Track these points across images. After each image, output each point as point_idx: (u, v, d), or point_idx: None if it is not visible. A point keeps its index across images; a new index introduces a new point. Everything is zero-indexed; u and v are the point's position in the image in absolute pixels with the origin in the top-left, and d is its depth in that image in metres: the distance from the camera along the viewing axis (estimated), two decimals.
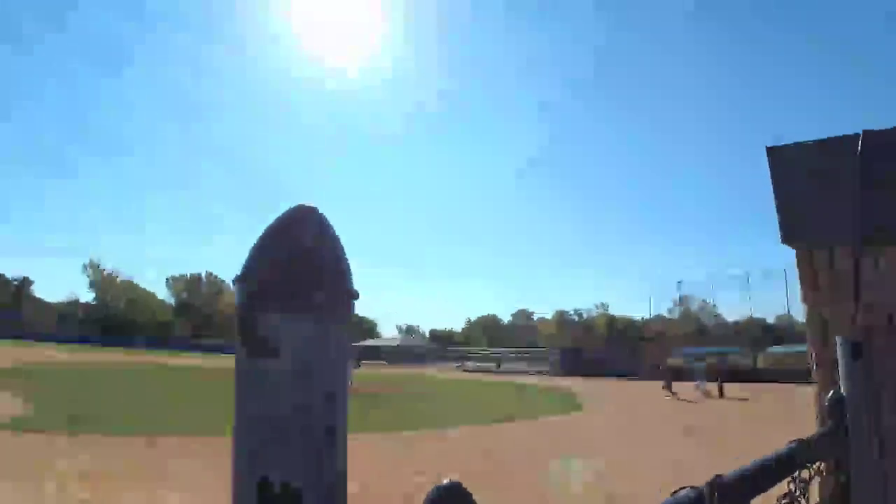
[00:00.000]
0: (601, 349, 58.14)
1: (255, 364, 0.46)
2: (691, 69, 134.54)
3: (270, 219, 0.50)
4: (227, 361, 40.63)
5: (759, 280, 76.82)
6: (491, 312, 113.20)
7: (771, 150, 2.16)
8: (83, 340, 69.15)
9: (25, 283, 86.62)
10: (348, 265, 0.59)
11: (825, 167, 1.99)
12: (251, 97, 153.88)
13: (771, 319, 72.54)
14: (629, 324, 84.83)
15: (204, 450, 9.70)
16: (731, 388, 27.37)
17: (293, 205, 0.58)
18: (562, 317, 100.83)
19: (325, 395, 0.47)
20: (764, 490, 0.95)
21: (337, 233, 0.60)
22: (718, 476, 0.80)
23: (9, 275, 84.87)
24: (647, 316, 74.73)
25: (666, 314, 76.99)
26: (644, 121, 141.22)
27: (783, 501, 1.01)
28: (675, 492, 0.78)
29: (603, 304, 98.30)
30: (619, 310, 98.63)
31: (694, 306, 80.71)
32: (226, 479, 0.45)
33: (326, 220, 0.60)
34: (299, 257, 0.53)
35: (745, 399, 24.95)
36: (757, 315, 69.68)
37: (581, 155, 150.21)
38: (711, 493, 0.78)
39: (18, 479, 7.53)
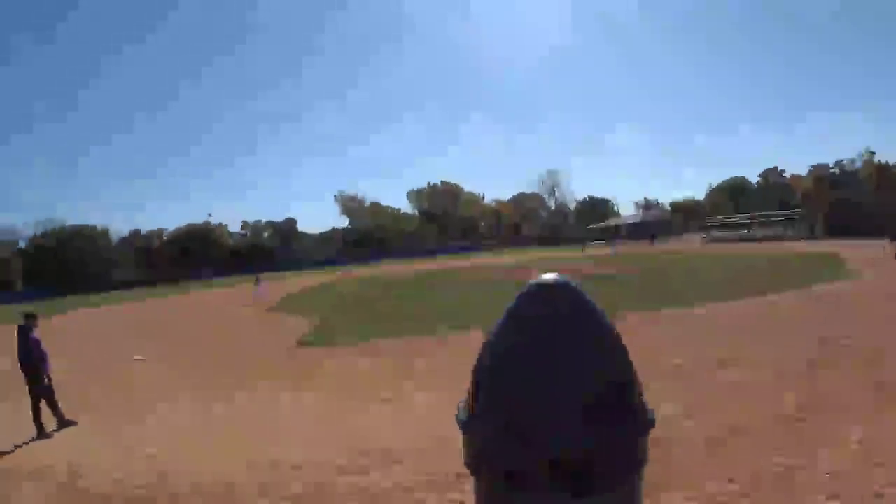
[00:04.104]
0: (872, 204, 52.34)
1: None
2: None
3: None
4: (473, 260, 45.12)
5: None
6: (737, 174, 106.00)
7: None
8: (344, 262, 78.19)
9: (291, 222, 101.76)
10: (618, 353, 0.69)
11: None
12: None
13: None
14: None
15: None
16: None
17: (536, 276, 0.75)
18: (819, 171, 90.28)
19: None
20: None
21: (596, 309, 0.70)
22: None
23: (281, 219, 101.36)
24: None
25: None
26: None
27: None
28: None
29: (869, 151, 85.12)
30: (890, 156, 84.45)
31: None
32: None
33: (583, 296, 0.69)
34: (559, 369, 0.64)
35: None
36: None
37: None
38: None
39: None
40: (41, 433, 8.04)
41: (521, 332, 0.69)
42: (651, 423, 0.68)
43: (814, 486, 4.34)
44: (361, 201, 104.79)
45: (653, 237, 61.34)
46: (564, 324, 0.67)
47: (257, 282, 31.36)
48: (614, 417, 0.65)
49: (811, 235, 45.32)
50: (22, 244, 79.29)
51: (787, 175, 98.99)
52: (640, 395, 0.71)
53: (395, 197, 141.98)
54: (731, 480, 4.54)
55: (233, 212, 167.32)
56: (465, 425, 0.71)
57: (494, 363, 0.70)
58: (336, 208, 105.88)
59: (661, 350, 9.30)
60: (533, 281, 0.74)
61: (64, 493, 5.79)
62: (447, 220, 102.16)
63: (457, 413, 0.75)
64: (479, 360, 0.73)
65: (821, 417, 5.76)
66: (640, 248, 51.05)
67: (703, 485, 4.52)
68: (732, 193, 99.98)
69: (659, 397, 6.68)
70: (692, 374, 7.81)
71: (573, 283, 0.73)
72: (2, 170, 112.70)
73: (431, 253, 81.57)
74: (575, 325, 0.68)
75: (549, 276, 0.75)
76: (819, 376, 7.25)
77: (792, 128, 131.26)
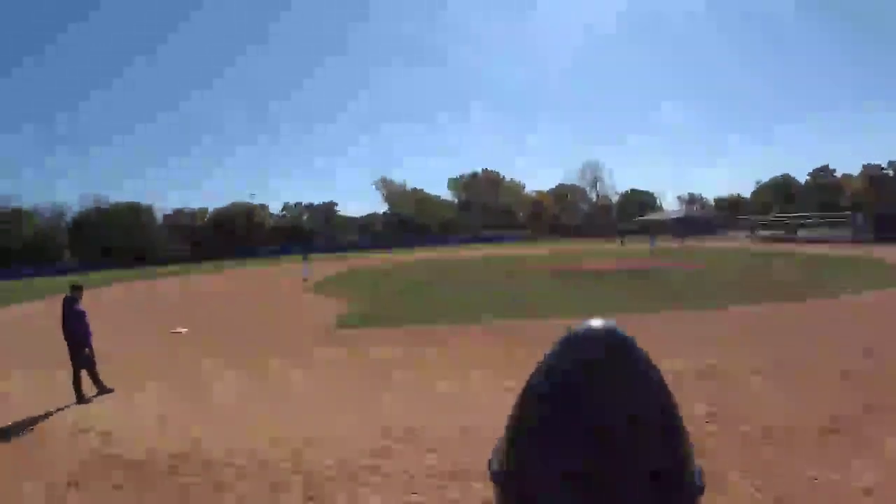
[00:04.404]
0: None
1: None
2: None
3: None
4: (507, 250, 44.69)
5: None
6: (784, 172, 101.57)
7: None
8: (382, 246, 78.41)
9: (331, 206, 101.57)
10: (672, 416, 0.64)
11: None
12: None
13: None
14: None
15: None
16: None
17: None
18: (872, 171, 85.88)
19: None
20: None
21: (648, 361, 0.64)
22: None
23: (317, 202, 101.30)
24: None
25: None
26: None
27: None
28: None
29: None
30: None
31: None
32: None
33: (633, 346, 0.64)
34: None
35: None
36: None
37: None
38: None
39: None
40: (80, 400, 8.36)
41: (559, 388, 0.63)
42: (700, 491, 0.62)
43: (847, 499, 4.22)
44: (402, 187, 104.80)
45: (683, 236, 59.57)
46: (611, 382, 0.61)
47: (304, 259, 32.26)
48: (664, 487, 0.59)
49: (862, 238, 42.85)
50: (69, 219, 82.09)
51: (837, 174, 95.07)
52: (691, 463, 0.63)
53: (437, 184, 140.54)
54: (758, 489, 4.41)
55: (275, 193, 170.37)
56: (500, 479, 0.65)
57: (532, 420, 0.64)
58: (377, 193, 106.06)
59: (691, 350, 9.14)
60: (578, 326, 0.67)
61: (97, 459, 5.99)
62: (486, 208, 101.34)
63: (489, 461, 0.68)
64: (516, 409, 0.67)
65: (855, 428, 5.59)
66: (677, 243, 49.59)
67: (727, 490, 4.40)
68: (779, 192, 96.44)
69: (688, 398, 6.58)
70: (723, 377, 7.64)
71: (621, 332, 0.66)
72: (49, 148, 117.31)
73: (468, 241, 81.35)
74: (623, 385, 0.61)
75: (597, 323, 0.67)
76: (854, 387, 7.01)
77: (844, 126, 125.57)
